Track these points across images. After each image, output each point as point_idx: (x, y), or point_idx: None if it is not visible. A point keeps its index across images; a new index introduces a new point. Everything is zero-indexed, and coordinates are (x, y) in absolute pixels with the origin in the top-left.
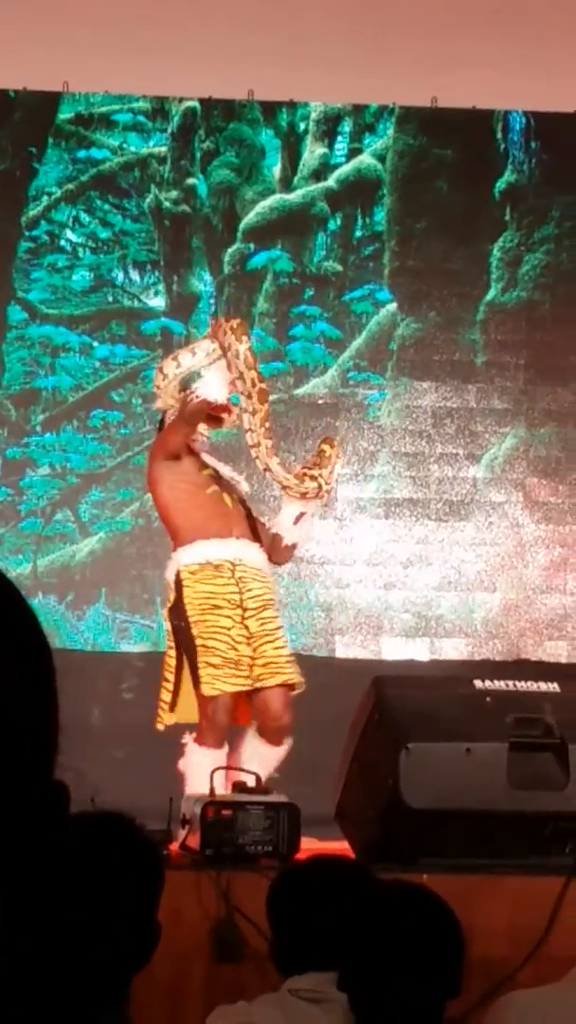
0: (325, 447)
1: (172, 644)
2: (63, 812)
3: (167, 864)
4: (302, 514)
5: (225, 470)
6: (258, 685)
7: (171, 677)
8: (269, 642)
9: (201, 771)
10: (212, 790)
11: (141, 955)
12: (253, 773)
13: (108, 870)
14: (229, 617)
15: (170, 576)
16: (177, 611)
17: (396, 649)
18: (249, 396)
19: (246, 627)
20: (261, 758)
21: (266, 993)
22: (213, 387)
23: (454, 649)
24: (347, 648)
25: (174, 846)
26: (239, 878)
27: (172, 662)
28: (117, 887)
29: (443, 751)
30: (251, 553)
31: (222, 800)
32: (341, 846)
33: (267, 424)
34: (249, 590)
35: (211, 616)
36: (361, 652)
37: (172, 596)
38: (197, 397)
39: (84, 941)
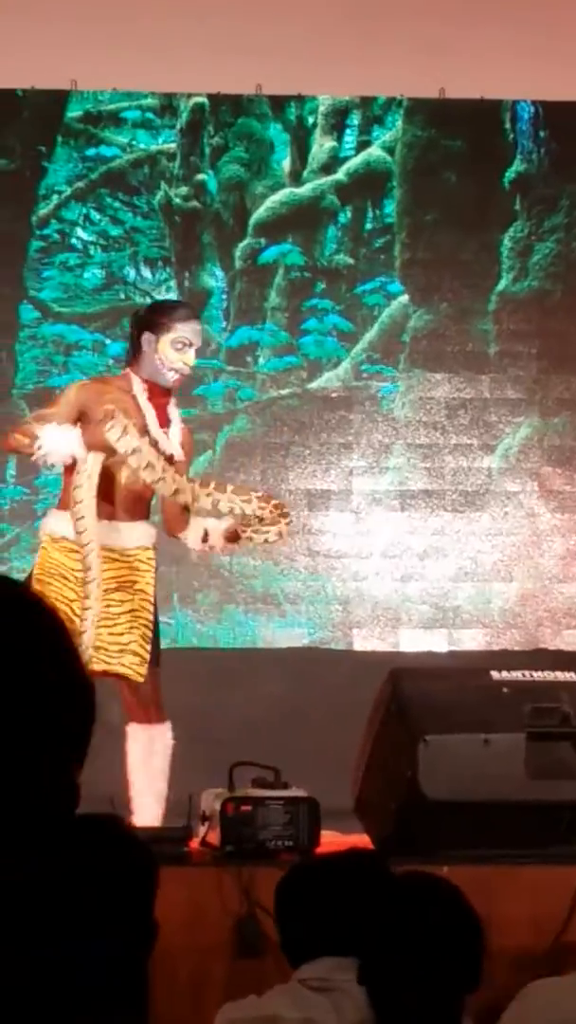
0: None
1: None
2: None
3: (187, 861)
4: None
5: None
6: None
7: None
8: (106, 627)
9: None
10: (231, 785)
11: (138, 955)
12: (271, 767)
13: (97, 874)
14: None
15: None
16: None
17: (414, 641)
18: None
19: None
20: (164, 743)
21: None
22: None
23: (472, 640)
24: (365, 641)
25: (194, 842)
26: (260, 873)
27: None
28: (106, 890)
29: (460, 742)
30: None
31: (242, 796)
32: (362, 839)
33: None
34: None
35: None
36: (379, 645)
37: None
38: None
39: (71, 943)
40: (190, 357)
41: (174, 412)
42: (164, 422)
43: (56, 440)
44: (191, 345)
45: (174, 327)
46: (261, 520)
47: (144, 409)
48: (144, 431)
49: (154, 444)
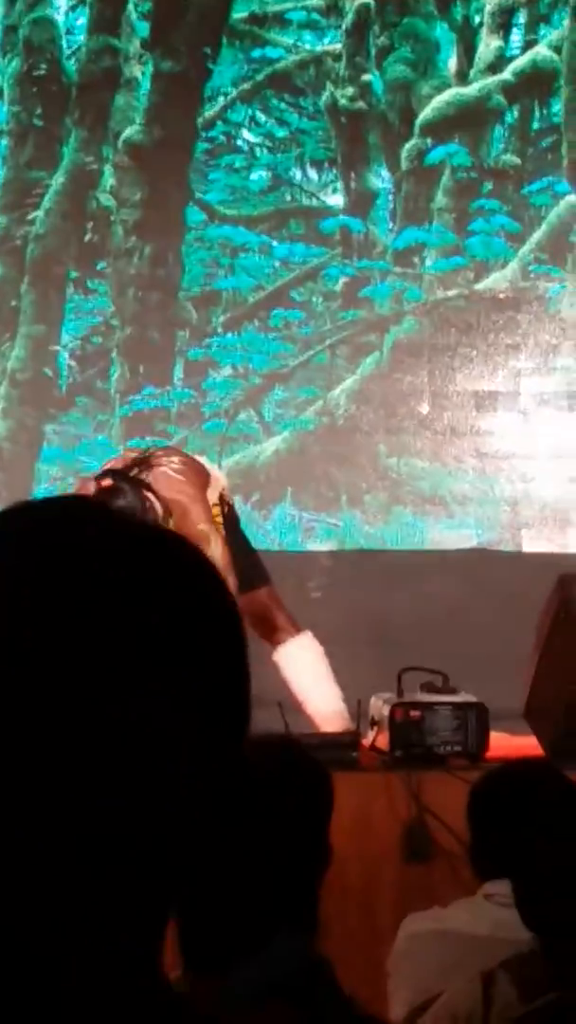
0: None
1: None
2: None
3: (356, 767)
4: None
5: None
6: None
7: None
8: None
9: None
10: (400, 691)
11: (315, 870)
12: (440, 673)
13: (276, 795)
14: None
15: None
16: None
17: None
18: None
19: None
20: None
21: (460, 897)
22: None
23: None
24: (533, 542)
25: (363, 748)
26: (428, 779)
27: None
28: (284, 810)
29: None
30: None
31: (411, 701)
32: (531, 742)
33: None
34: None
35: None
36: (548, 546)
37: None
38: None
39: (256, 861)
40: None
41: None
42: None
43: None
44: None
45: None
46: None
47: None
48: None
49: None
